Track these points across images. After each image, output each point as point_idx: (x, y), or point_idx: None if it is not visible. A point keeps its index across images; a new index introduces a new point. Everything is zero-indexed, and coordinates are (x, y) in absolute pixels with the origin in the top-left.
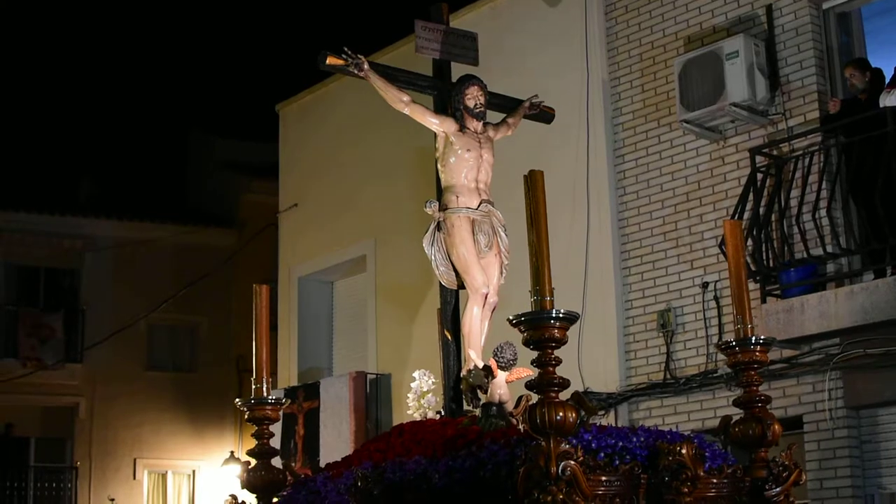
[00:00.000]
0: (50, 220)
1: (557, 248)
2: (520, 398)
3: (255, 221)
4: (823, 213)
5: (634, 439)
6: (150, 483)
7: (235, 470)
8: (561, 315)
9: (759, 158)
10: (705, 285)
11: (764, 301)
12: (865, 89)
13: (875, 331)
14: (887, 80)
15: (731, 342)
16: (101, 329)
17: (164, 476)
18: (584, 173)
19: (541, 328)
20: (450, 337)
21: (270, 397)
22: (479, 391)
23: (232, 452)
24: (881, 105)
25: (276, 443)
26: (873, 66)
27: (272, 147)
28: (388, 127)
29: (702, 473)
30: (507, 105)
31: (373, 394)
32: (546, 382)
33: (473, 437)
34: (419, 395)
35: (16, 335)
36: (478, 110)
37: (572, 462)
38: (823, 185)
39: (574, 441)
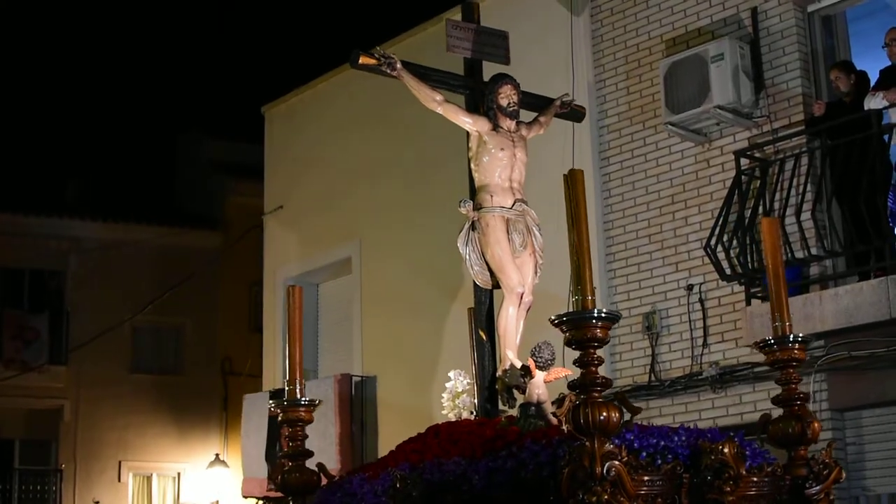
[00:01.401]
0: (36, 222)
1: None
2: (563, 398)
3: (240, 223)
4: (808, 215)
5: (676, 438)
6: (135, 485)
7: (220, 472)
8: (603, 315)
9: (743, 161)
10: (690, 287)
11: (749, 303)
12: (850, 92)
13: (859, 333)
14: (872, 83)
15: (770, 340)
16: (86, 331)
17: (148, 478)
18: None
19: (583, 328)
20: (485, 337)
21: (304, 399)
22: (515, 391)
23: (217, 455)
24: (866, 108)
25: (261, 446)
26: (858, 68)
27: (258, 149)
28: (373, 129)
29: (743, 472)
30: (537, 104)
31: (358, 396)
32: (589, 382)
33: (513, 437)
34: (454, 396)
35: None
36: (511, 109)
37: (617, 462)
38: (808, 188)
39: (617, 441)
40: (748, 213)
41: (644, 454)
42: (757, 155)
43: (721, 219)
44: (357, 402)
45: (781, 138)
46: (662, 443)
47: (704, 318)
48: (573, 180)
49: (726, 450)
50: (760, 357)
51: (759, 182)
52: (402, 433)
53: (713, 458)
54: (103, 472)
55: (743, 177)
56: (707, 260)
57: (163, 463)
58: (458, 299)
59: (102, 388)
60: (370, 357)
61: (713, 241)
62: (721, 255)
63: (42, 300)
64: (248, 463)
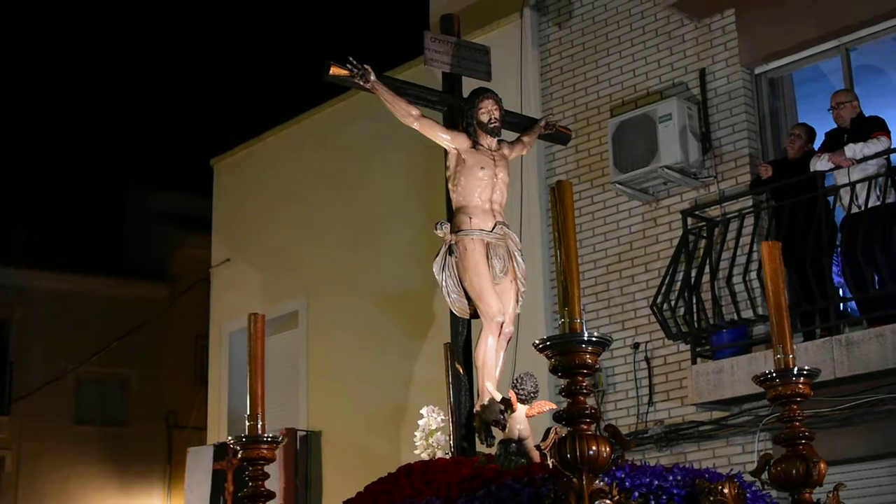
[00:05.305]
0: None
1: None
2: (548, 430)
3: (188, 275)
4: (754, 275)
5: (671, 478)
6: None
7: None
8: (593, 339)
9: (690, 220)
10: (636, 346)
11: (694, 362)
12: (796, 156)
13: None
14: (817, 146)
15: (771, 373)
16: (31, 381)
17: None
18: (517, 232)
19: (571, 353)
20: (461, 370)
21: (267, 435)
22: (493, 428)
23: None
24: (812, 169)
25: (204, 500)
26: None
27: (207, 201)
28: (321, 183)
29: None
30: (521, 124)
31: (303, 450)
32: (577, 413)
33: (492, 476)
34: (427, 434)
35: None
36: (492, 126)
37: (607, 501)
38: (754, 248)
39: (607, 479)
40: (694, 272)
41: (636, 494)
42: (703, 214)
43: (667, 277)
44: (301, 456)
45: (728, 198)
46: (656, 482)
47: (650, 376)
48: (561, 193)
49: (726, 490)
50: (706, 416)
51: (705, 241)
52: (345, 488)
53: (712, 499)
54: None
55: (690, 236)
56: (653, 318)
57: None
58: (405, 356)
59: (45, 439)
60: (315, 411)
61: (659, 300)
62: (667, 314)
63: None
64: None
